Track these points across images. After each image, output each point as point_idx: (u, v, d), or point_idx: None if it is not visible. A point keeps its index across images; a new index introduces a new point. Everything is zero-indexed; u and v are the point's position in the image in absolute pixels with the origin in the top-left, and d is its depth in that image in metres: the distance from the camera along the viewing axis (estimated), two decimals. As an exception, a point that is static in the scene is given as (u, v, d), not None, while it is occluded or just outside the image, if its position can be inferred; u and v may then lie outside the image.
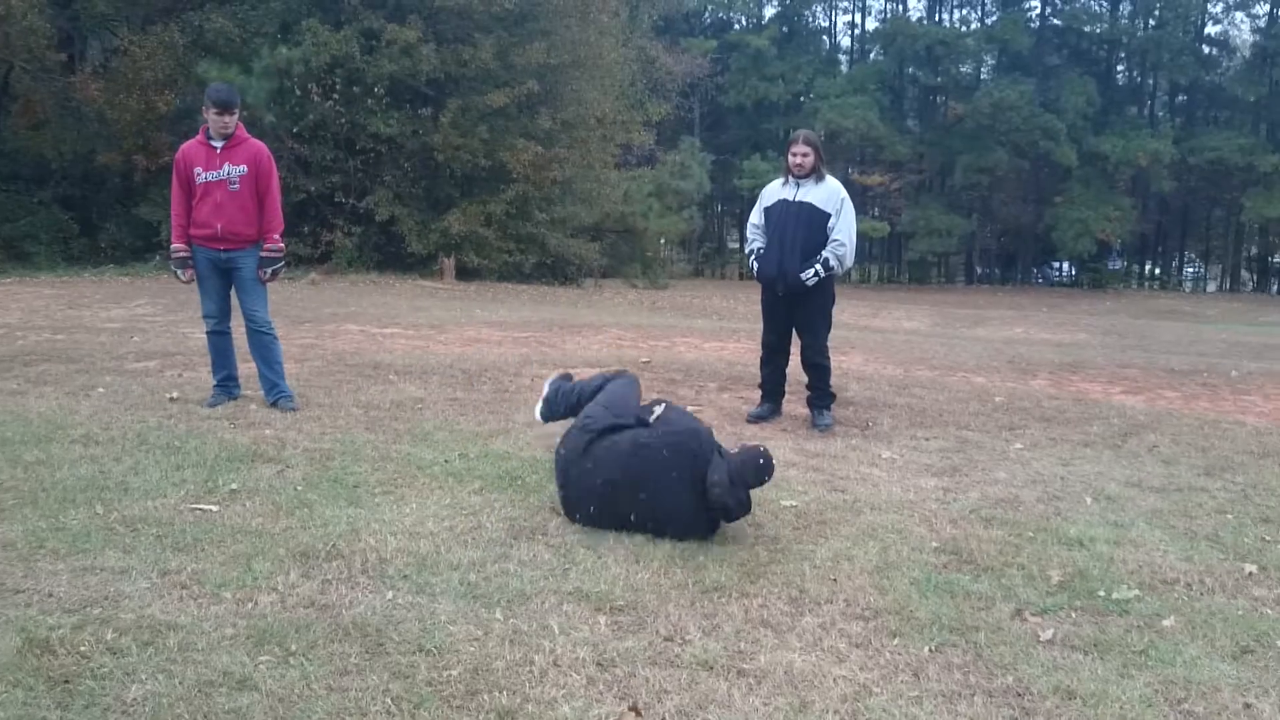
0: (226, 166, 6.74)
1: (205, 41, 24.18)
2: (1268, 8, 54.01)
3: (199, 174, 6.76)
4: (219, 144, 6.76)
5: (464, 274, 25.21)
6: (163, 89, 23.57)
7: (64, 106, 24.18)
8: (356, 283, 21.92)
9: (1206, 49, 55.82)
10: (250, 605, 3.78)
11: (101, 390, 7.31)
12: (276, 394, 6.98)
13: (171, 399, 7.08)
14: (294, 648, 3.45)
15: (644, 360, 9.51)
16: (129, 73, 23.46)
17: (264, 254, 6.92)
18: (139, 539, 4.37)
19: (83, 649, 3.36)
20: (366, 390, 7.69)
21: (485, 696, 3.21)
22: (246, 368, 7.29)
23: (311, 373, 8.25)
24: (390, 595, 3.92)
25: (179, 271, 7.01)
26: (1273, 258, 57.81)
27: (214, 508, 4.83)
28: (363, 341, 10.72)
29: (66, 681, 3.16)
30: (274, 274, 7.01)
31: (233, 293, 7.04)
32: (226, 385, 7.09)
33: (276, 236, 6.95)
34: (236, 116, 6.80)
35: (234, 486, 5.15)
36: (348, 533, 4.56)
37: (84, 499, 4.84)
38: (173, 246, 6.98)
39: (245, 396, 7.14)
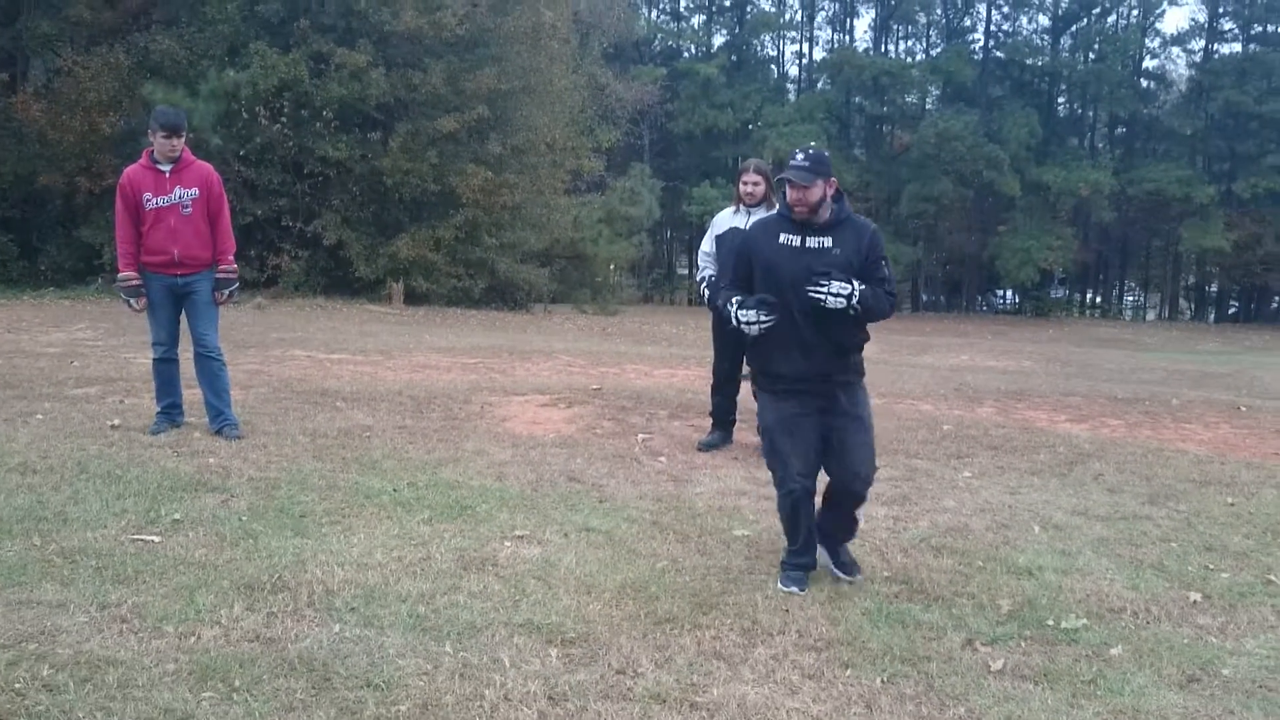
0: (178, 190, 6.61)
1: (151, 63, 23.91)
2: (1203, 43, 55.41)
3: (149, 200, 6.59)
4: (166, 167, 6.63)
5: (413, 299, 25.05)
6: (107, 110, 23.25)
7: (4, 127, 23.77)
8: (303, 307, 21.69)
9: (1144, 83, 57.09)
10: (193, 639, 3.69)
11: (40, 417, 7.15)
12: (221, 422, 6.86)
13: (113, 426, 6.94)
14: (238, 683, 3.37)
15: (594, 387, 9.49)
16: (72, 93, 23.14)
17: (220, 275, 6.80)
18: (78, 571, 4.26)
19: (17, 686, 3.27)
20: (313, 418, 7.59)
21: (434, 733, 3.15)
22: (191, 394, 7.15)
23: (257, 399, 8.13)
24: (337, 628, 3.85)
25: (131, 300, 6.80)
26: (1209, 287, 59.05)
27: (156, 538, 4.73)
28: (310, 368, 10.60)
29: (0, 721, 3.07)
30: (229, 295, 6.92)
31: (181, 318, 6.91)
32: (170, 412, 6.95)
33: (230, 258, 6.85)
34: (184, 140, 6.68)
35: (177, 516, 5.04)
36: (294, 564, 4.48)
37: (20, 530, 4.72)
38: (122, 275, 6.75)
39: (189, 424, 7.00)
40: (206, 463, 6.09)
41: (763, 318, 4.34)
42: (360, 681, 3.44)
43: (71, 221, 24.73)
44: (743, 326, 4.40)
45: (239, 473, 5.91)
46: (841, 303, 4.27)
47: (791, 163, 4.39)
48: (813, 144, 4.67)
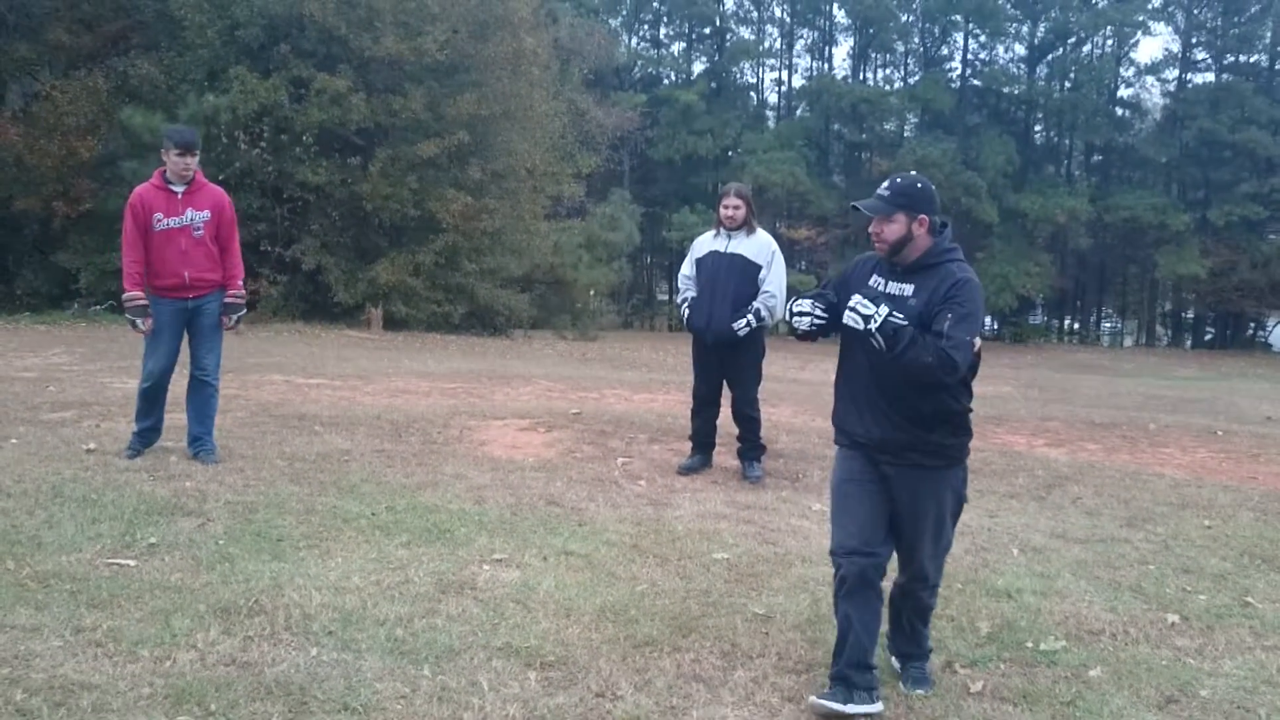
0: (190, 212, 6.53)
1: (130, 87, 23.84)
2: (1177, 73, 56.06)
3: (159, 220, 6.48)
4: (180, 189, 6.54)
5: (392, 324, 24.97)
6: (85, 135, 23.16)
7: (-20, 150, 23.66)
8: (281, 332, 21.61)
9: (1120, 111, 57.62)
10: (168, 664, 3.66)
11: (15, 441, 7.08)
12: (199, 446, 6.79)
13: (88, 450, 6.88)
14: (214, 707, 3.34)
15: (574, 412, 9.48)
16: (50, 118, 23.04)
17: (229, 300, 6.74)
18: (52, 595, 4.22)
19: (-11, 712, 3.23)
20: (291, 441, 7.54)
21: (412, 756, 3.13)
22: (171, 418, 7.08)
23: (235, 423, 8.08)
24: (314, 652, 3.82)
25: (138, 321, 6.57)
26: (1186, 313, 59.45)
27: (131, 562, 4.69)
28: (288, 392, 10.55)
29: (-29, 746, 3.03)
30: (237, 321, 6.87)
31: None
32: (146, 435, 6.86)
33: (239, 282, 6.80)
34: (197, 159, 6.62)
35: (153, 540, 5.00)
36: (271, 588, 4.45)
37: (-6, 554, 4.66)
38: (128, 295, 6.53)
39: (165, 448, 6.94)
40: (183, 486, 6.04)
41: (818, 312, 3.72)
42: (338, 705, 3.42)
43: (48, 246, 24.57)
44: (793, 321, 3.79)
45: (216, 496, 5.87)
46: (858, 322, 3.58)
47: (877, 191, 3.76)
48: (914, 172, 3.89)
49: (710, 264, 7.05)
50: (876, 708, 3.56)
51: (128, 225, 6.52)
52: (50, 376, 11.02)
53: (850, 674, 3.61)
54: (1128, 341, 59.98)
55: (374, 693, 3.52)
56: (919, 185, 3.67)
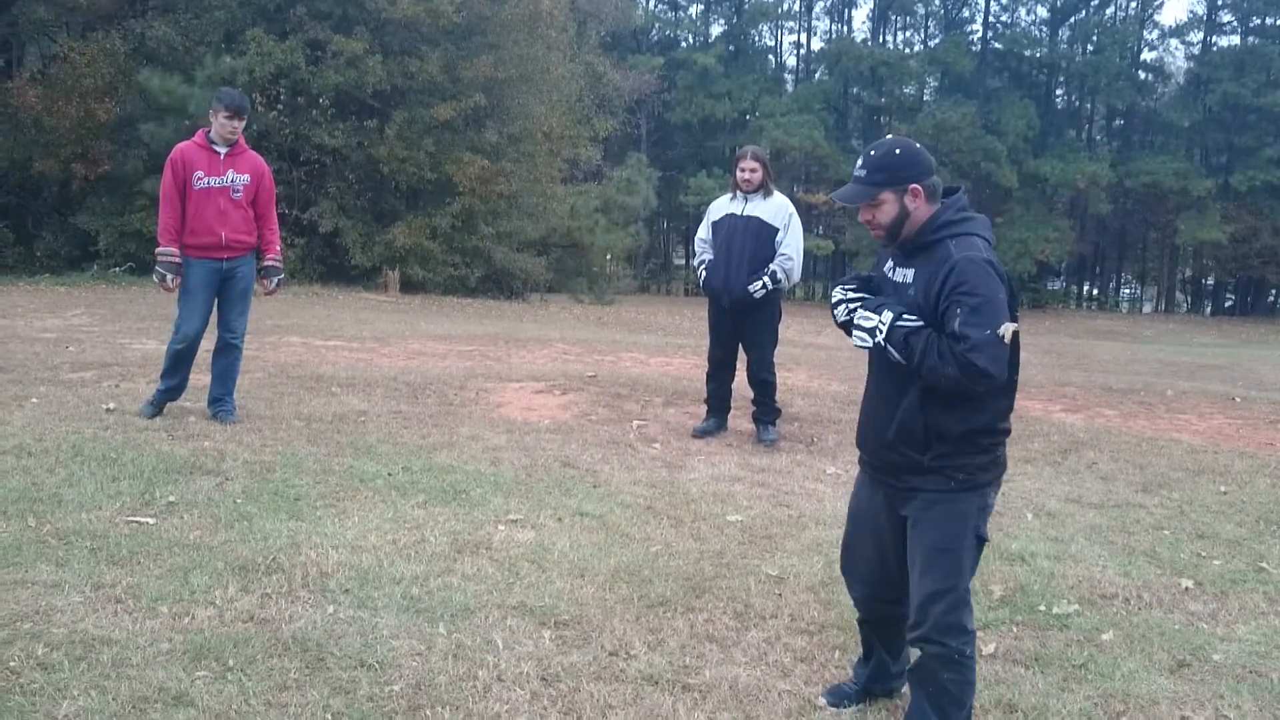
0: (231, 173, 6.56)
1: (147, 49, 23.80)
2: (1201, 35, 55.36)
3: (199, 178, 6.49)
4: (222, 150, 6.57)
5: (408, 287, 25.01)
6: (103, 97, 23.15)
7: (0, 112, 23.68)
8: (299, 294, 21.64)
9: (1142, 75, 57.04)
10: (187, 619, 3.71)
11: (35, 400, 7.14)
12: (219, 407, 6.84)
13: (108, 410, 6.93)
14: (232, 663, 3.39)
15: (589, 375, 9.49)
16: (68, 80, 23.04)
17: (269, 263, 6.82)
18: (72, 552, 4.27)
19: (12, 664, 3.28)
20: (308, 402, 7.59)
21: (428, 712, 3.17)
22: (195, 378, 7.11)
23: (253, 384, 8.12)
24: (331, 609, 3.86)
25: (167, 276, 6.54)
26: (1206, 280, 59.06)
27: (150, 520, 4.74)
28: (305, 354, 10.59)
29: (-6, 698, 3.08)
30: (278, 284, 6.93)
31: None
32: (170, 393, 6.89)
33: (278, 248, 6.88)
34: (244, 124, 6.63)
35: (172, 499, 5.05)
36: (288, 546, 4.49)
37: (15, 511, 4.72)
38: (164, 250, 6.51)
39: (184, 407, 6.99)
40: (202, 446, 6.09)
41: (849, 295, 3.14)
42: (354, 661, 3.46)
43: (67, 208, 24.65)
44: (836, 314, 3.19)
45: (234, 456, 5.91)
46: (864, 339, 3.03)
47: (854, 173, 3.14)
48: (889, 136, 3.26)
49: (727, 227, 7.03)
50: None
51: (166, 181, 6.51)
52: (70, 337, 11.10)
53: (873, 687, 3.45)
54: (1147, 308, 59.68)
55: (390, 650, 3.56)
56: (897, 151, 3.05)
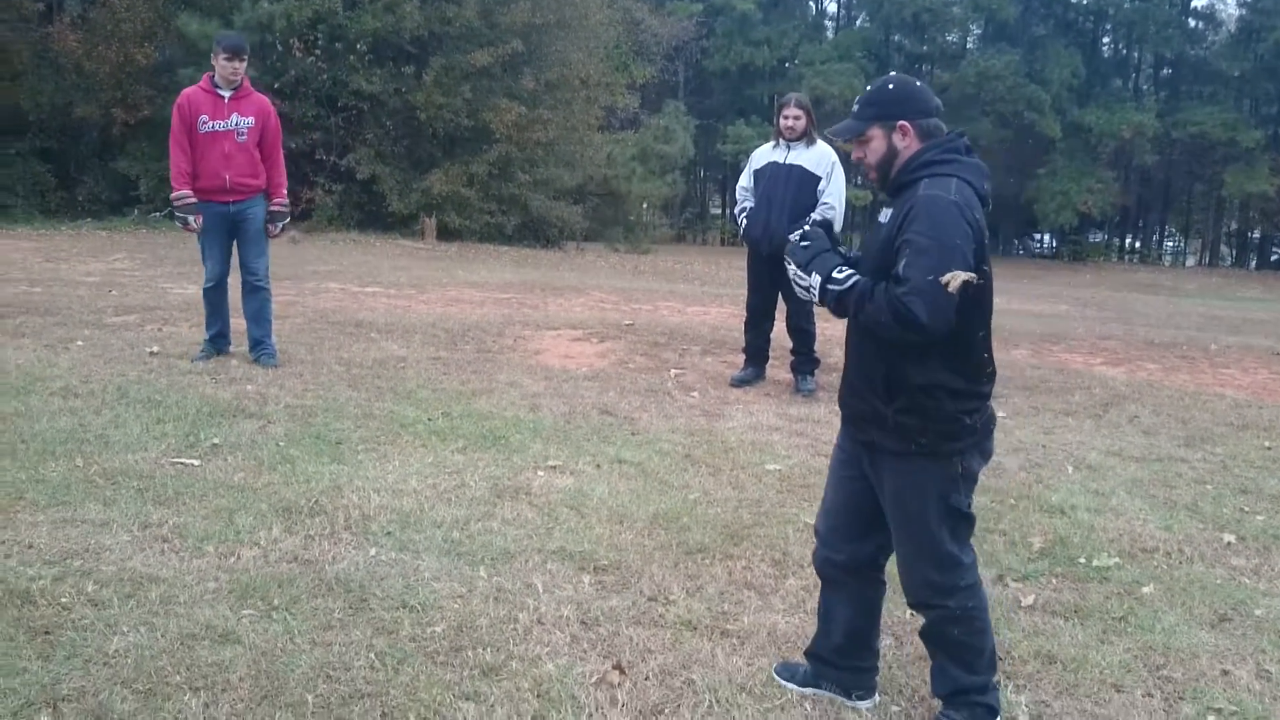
0: (235, 117, 6.62)
1: (186, -7, 23.82)
2: (1255, -18, 54.01)
3: (204, 121, 6.58)
4: (227, 93, 6.63)
5: (445, 234, 25.03)
6: (142, 41, 23.22)
7: (41, 57, 23.79)
8: (337, 241, 21.75)
9: (1192, 22, 55.78)
10: (232, 559, 3.77)
11: (80, 343, 7.24)
12: (259, 350, 6.93)
13: (152, 353, 7.01)
14: (277, 602, 3.44)
15: (627, 323, 9.49)
16: (108, 24, 23.11)
17: (274, 208, 6.86)
18: (120, 492, 4.34)
19: (63, 600, 3.34)
20: (348, 348, 7.64)
21: (469, 653, 3.21)
22: (236, 322, 7.21)
23: (293, 330, 8.19)
24: (373, 551, 3.91)
25: (189, 218, 6.66)
26: (1252, 233, 58.07)
27: (195, 462, 4.80)
28: (344, 300, 10.65)
29: (48, 632, 3.15)
30: (282, 229, 6.98)
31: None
32: (217, 341, 7.02)
33: (284, 191, 6.90)
34: (245, 64, 6.68)
35: (215, 441, 5.11)
36: (330, 489, 4.54)
37: (64, 451, 4.80)
38: (179, 193, 6.63)
39: (229, 353, 7.09)
40: (244, 389, 6.15)
41: (798, 244, 2.94)
42: (396, 603, 3.50)
43: (108, 153, 24.84)
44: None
45: (276, 400, 5.97)
46: (806, 296, 2.88)
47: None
48: (892, 73, 3.11)
49: (769, 175, 6.97)
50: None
51: (174, 126, 6.63)
52: (113, 281, 11.22)
53: (811, 662, 3.18)
54: (1190, 261, 58.79)
55: (432, 592, 3.60)
56: (890, 86, 2.88)
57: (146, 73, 23.34)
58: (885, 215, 2.86)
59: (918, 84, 2.91)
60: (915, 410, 2.77)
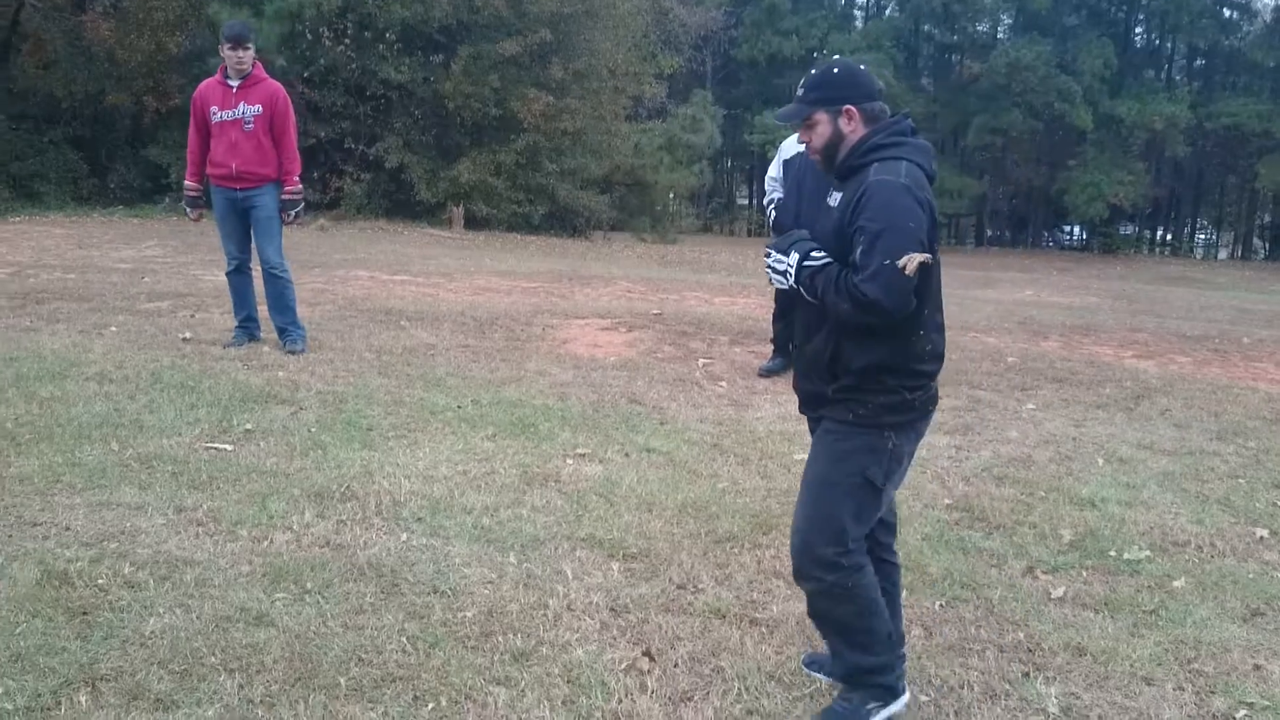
0: (242, 106, 6.72)
1: (217, -18, 23.93)
2: (1291, -29, 53.30)
3: (214, 112, 6.75)
4: (235, 83, 6.74)
5: (473, 223, 25.10)
6: (173, 30, 23.35)
7: (74, 46, 23.97)
8: (365, 229, 21.85)
9: (1227, 12, 55.03)
10: (266, 543, 3.80)
11: (114, 329, 7.31)
12: (285, 337, 7.00)
13: (184, 339, 7.08)
14: (310, 586, 3.47)
15: (655, 313, 9.50)
16: (140, 13, 23.25)
17: (285, 196, 6.90)
18: (154, 476, 4.39)
19: (100, 582, 3.39)
20: (378, 335, 7.69)
21: (500, 638, 3.23)
22: (265, 308, 7.27)
23: (323, 317, 8.25)
24: (404, 537, 3.94)
25: (189, 210, 7.13)
26: (1285, 226, 57.46)
27: (229, 447, 4.85)
28: (373, 287, 10.71)
29: (85, 613, 3.19)
30: (296, 216, 7.00)
31: None
32: (247, 326, 7.11)
33: (295, 178, 6.93)
34: (252, 53, 6.76)
35: (248, 426, 5.16)
36: (361, 475, 4.58)
37: (99, 435, 4.86)
38: (186, 184, 7.04)
39: (261, 339, 7.15)
40: (276, 376, 6.20)
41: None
42: (428, 588, 3.53)
43: (139, 141, 25.03)
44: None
45: (307, 386, 6.02)
46: (780, 282, 2.88)
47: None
48: (836, 57, 3.01)
49: (798, 166, 6.95)
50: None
51: (191, 118, 6.87)
52: (145, 268, 11.31)
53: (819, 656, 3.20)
54: (1222, 254, 58.20)
55: (462, 577, 3.62)
56: (835, 70, 2.89)
57: (178, 61, 23.48)
58: (835, 199, 2.88)
59: (861, 68, 2.93)
60: (856, 388, 2.83)
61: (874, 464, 2.83)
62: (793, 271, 2.81)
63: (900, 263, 2.62)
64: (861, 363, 2.80)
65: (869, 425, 2.83)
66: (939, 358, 2.91)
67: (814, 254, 2.80)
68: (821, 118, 2.86)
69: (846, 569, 2.85)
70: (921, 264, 2.63)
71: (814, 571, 2.87)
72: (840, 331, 2.81)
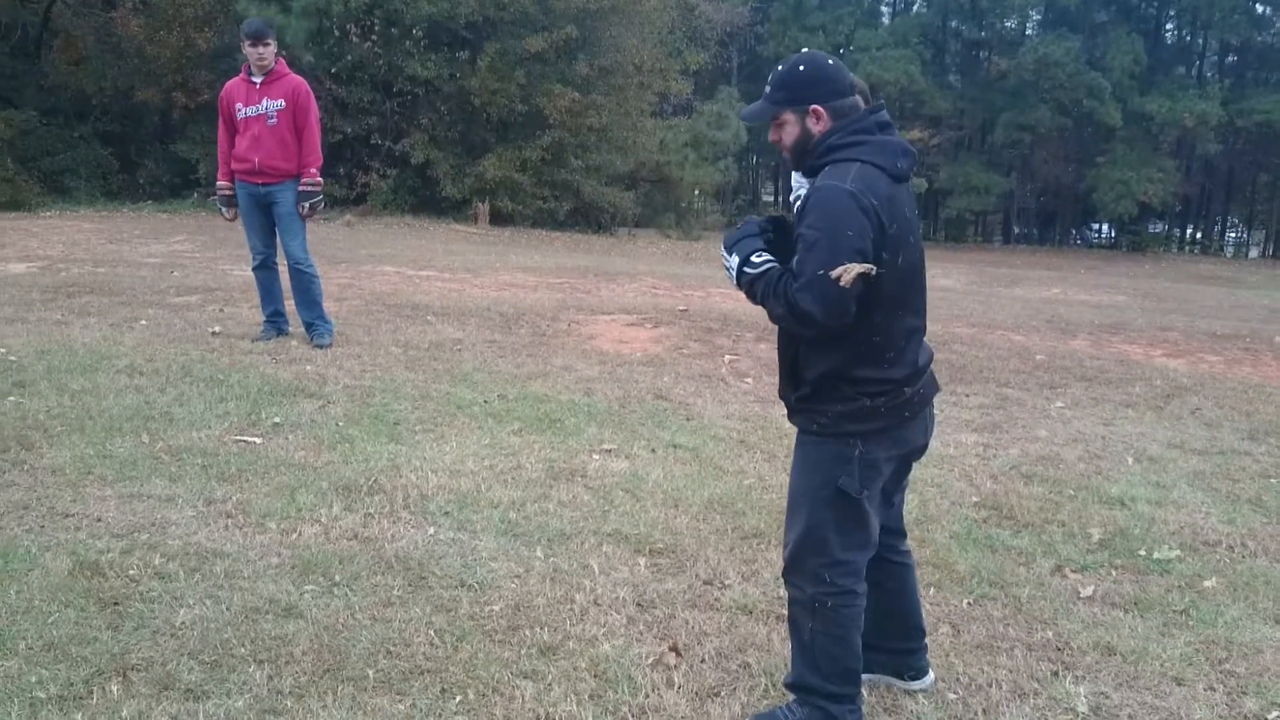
0: (265, 101, 6.78)
1: (245, -22, 24.07)
2: (1325, -33, 52.68)
3: (239, 109, 6.83)
4: (259, 79, 6.81)
5: (498, 219, 25.15)
6: (202, 26, 23.51)
7: (104, 42, 24.18)
8: (391, 225, 21.94)
9: (1260, 8, 54.38)
10: (294, 536, 3.83)
11: (144, 323, 7.37)
12: (311, 331, 7.05)
13: (213, 333, 7.13)
14: (338, 578, 3.49)
15: (680, 309, 9.49)
16: (169, 9, 23.41)
17: (302, 188, 6.93)
18: (185, 468, 4.43)
19: (131, 573, 3.42)
20: (405, 330, 7.72)
21: (527, 632, 3.24)
22: (291, 303, 7.32)
23: (350, 311, 8.29)
24: (432, 531, 3.96)
25: (223, 209, 7.17)
26: (1317, 225, 56.81)
27: (257, 440, 4.88)
28: (399, 283, 10.74)
29: (116, 604, 3.22)
30: (313, 208, 7.03)
31: None
32: (275, 320, 7.16)
33: (314, 171, 6.96)
34: (273, 49, 6.83)
35: (277, 420, 5.19)
36: (389, 468, 4.60)
37: (130, 428, 4.90)
38: (218, 184, 7.11)
39: (290, 333, 7.19)
40: (304, 370, 6.24)
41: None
42: (455, 581, 3.54)
43: (168, 136, 25.21)
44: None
45: (335, 380, 6.05)
46: (729, 279, 2.78)
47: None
48: (805, 50, 2.95)
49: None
50: None
51: (220, 118, 6.97)
52: (174, 263, 11.40)
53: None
54: (1253, 253, 57.59)
55: (489, 571, 3.63)
56: (800, 68, 2.75)
57: (207, 57, 23.63)
58: (798, 199, 2.77)
59: (830, 62, 2.79)
60: (814, 395, 2.75)
61: (844, 473, 2.73)
62: (733, 273, 2.73)
63: (835, 274, 2.50)
64: (816, 371, 2.73)
65: (832, 434, 2.74)
66: (911, 363, 2.77)
67: (754, 257, 2.69)
68: (789, 118, 2.74)
69: (829, 586, 2.78)
70: (863, 275, 2.50)
71: (797, 580, 2.83)
72: (798, 337, 2.74)
